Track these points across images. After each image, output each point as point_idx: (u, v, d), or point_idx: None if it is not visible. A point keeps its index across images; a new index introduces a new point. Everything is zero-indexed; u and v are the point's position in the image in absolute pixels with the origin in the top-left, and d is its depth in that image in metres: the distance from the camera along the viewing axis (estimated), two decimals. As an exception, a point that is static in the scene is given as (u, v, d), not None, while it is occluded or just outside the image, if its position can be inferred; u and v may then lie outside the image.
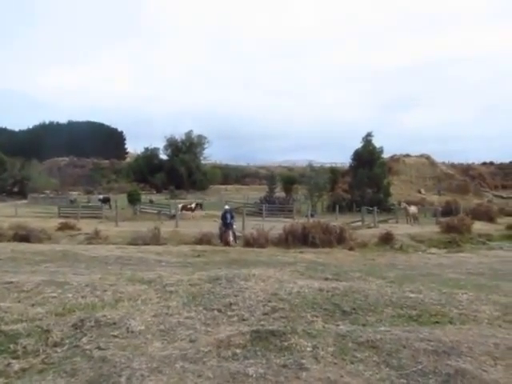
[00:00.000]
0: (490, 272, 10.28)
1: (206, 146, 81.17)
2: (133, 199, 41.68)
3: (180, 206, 35.37)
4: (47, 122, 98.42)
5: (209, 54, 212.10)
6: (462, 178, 70.97)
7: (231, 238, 18.79)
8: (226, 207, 20.95)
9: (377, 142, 51.53)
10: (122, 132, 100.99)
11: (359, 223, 30.31)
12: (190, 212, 34.84)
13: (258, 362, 3.53)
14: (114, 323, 4.56)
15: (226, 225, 19.12)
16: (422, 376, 3.36)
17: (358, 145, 51.52)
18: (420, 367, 3.48)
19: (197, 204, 36.93)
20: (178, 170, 71.96)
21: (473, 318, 5.08)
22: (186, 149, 77.86)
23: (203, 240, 19.54)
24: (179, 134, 79.84)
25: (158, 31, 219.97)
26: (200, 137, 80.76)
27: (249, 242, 18.54)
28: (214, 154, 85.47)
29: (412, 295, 5.94)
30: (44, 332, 4.32)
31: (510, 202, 60.52)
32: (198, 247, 15.59)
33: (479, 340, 4.02)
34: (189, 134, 79.80)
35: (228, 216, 19.27)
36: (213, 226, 23.76)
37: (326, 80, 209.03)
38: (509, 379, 3.33)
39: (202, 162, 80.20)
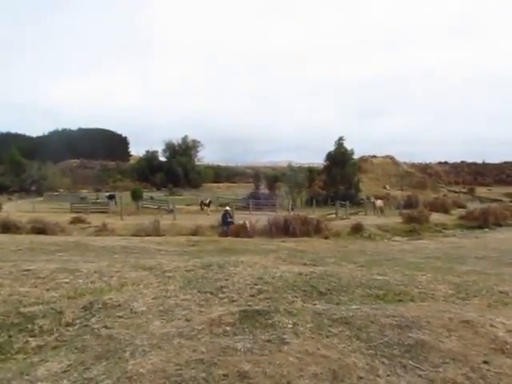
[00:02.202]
0: (445, 256, 10.35)
1: (199, 149, 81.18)
2: (136, 196, 41.48)
3: (199, 201, 36.93)
4: (60, 129, 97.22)
5: (202, 69, 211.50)
6: (421, 175, 71.70)
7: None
8: (227, 208, 20.69)
9: (348, 145, 51.81)
10: (126, 137, 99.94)
11: (333, 215, 30.49)
12: (206, 207, 35.27)
13: (245, 337, 3.52)
14: (119, 305, 4.51)
15: (227, 223, 18.99)
16: (387, 347, 3.37)
17: (332, 147, 51.73)
18: (386, 339, 3.50)
19: (209, 201, 37.06)
20: (176, 170, 71.56)
21: (431, 295, 5.12)
22: (182, 151, 77.55)
23: (198, 231, 19.51)
24: (176, 139, 79.60)
25: (159, 49, 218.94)
26: (194, 141, 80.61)
27: (238, 233, 18.52)
28: (206, 156, 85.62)
29: (379, 277, 5.96)
30: (57, 313, 4.26)
31: (462, 195, 61.35)
32: (193, 238, 15.48)
33: (436, 315, 4.05)
34: (184, 139, 79.54)
35: (228, 216, 19.20)
36: (206, 219, 23.71)
37: (303, 91, 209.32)
38: (461, 348, 3.37)
39: (197, 163, 79.92)
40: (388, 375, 2.96)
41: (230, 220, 19.13)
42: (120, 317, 4.21)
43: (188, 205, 41.40)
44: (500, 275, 6.64)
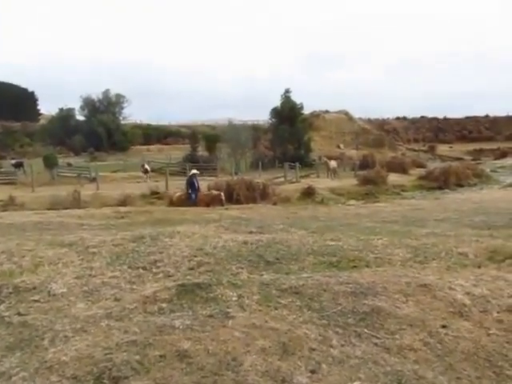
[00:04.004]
0: (403, 219, 10.83)
1: (125, 105, 78.45)
2: (49, 163, 39.86)
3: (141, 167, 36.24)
4: None
5: (124, 10, 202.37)
6: (378, 132, 73.85)
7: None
8: (194, 171, 19.49)
9: (297, 99, 52.23)
10: (33, 92, 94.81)
11: (282, 179, 30.93)
12: (147, 173, 34.75)
13: (184, 314, 3.58)
14: (34, 288, 4.42)
15: (195, 189, 17.95)
16: (341, 316, 3.55)
17: (278, 102, 51.94)
18: (340, 308, 3.67)
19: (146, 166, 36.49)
20: (97, 130, 69.10)
21: (387, 260, 5.39)
22: (103, 109, 74.88)
23: (126, 201, 19.14)
24: (96, 94, 76.49)
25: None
26: (118, 96, 77.78)
27: (173, 202, 18.25)
28: (134, 114, 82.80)
29: (332, 243, 6.16)
30: (-44, 303, 4.10)
31: (422, 154, 64.22)
32: (122, 209, 15.18)
33: (393, 280, 4.28)
34: (106, 93, 76.60)
35: (195, 181, 18.19)
36: (136, 187, 23.33)
37: (248, 40, 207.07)
38: (419, 313, 3.61)
39: (122, 122, 77.55)
40: (342, 345, 3.13)
41: (198, 186, 18.19)
42: (36, 301, 4.14)
43: (114, 171, 40.50)
44: (459, 236, 7.05)
